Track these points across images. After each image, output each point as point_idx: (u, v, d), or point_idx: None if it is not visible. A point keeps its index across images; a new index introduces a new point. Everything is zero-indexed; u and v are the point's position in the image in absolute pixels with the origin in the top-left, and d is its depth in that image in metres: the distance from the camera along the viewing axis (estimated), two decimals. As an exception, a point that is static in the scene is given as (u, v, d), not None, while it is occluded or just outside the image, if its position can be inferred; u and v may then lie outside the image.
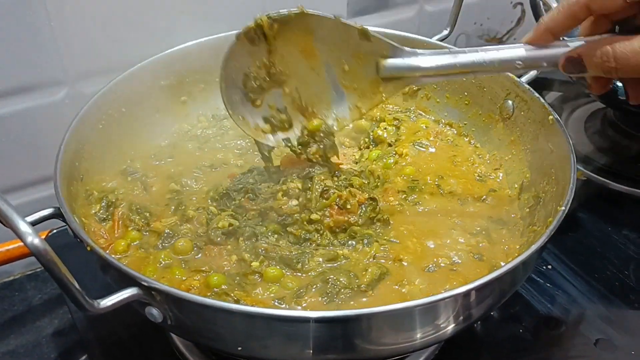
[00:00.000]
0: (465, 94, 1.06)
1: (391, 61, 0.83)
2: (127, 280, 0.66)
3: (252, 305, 0.73)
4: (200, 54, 1.05)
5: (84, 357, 0.93)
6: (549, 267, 1.05)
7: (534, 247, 0.69)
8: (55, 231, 1.07)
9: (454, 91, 1.07)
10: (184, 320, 0.68)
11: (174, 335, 0.90)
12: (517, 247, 0.86)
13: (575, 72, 0.75)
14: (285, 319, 0.64)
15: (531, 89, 0.95)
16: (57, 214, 0.75)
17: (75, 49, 1.06)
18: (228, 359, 0.87)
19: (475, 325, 0.94)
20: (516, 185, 0.96)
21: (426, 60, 0.82)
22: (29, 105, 1.06)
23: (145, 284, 0.65)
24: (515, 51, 0.78)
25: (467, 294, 0.67)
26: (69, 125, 0.86)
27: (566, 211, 0.75)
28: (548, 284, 1.02)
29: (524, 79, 0.97)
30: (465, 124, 1.07)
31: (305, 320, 0.63)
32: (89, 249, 0.69)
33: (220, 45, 0.86)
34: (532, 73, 0.98)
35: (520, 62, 0.78)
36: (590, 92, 0.81)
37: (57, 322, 0.98)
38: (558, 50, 0.76)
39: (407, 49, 0.83)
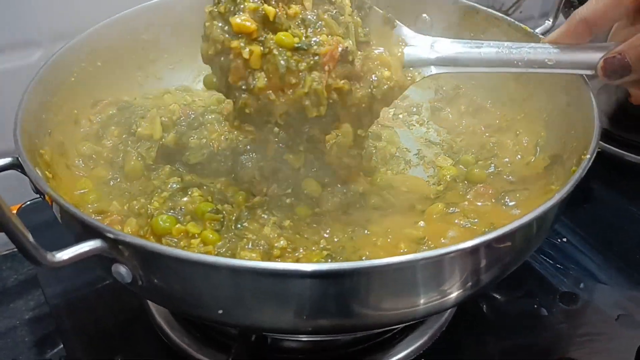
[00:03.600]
0: (473, 51, 0.97)
1: (408, 50, 0.77)
2: (90, 232, 0.57)
3: None
4: (185, 6, 0.96)
5: (60, 343, 0.86)
6: (564, 239, 0.99)
7: (558, 196, 0.61)
8: (28, 202, 1.00)
9: (460, 49, 0.99)
10: (157, 279, 0.59)
11: (157, 317, 0.83)
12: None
13: (617, 75, 0.68)
14: (275, 274, 0.55)
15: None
16: (16, 164, 0.67)
17: (51, 8, 1.01)
18: (214, 337, 0.80)
19: (486, 300, 0.87)
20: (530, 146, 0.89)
21: (444, 47, 0.76)
22: (2, 67, 1.01)
23: (111, 235, 0.56)
24: (546, 52, 0.73)
25: (475, 249, 0.59)
26: (35, 74, 0.78)
27: (592, 159, 0.67)
28: (563, 258, 0.95)
29: (538, 30, 0.89)
30: (473, 84, 0.99)
31: (299, 274, 0.55)
32: (47, 199, 0.60)
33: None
34: (547, 24, 0.90)
35: (551, 62, 0.73)
36: (634, 103, 0.77)
37: (33, 304, 0.92)
38: (594, 53, 0.71)
39: (424, 37, 0.77)
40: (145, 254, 0.57)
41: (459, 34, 0.97)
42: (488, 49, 0.75)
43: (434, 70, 0.76)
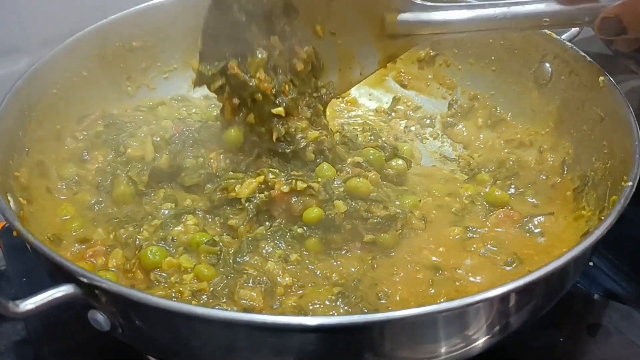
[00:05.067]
0: (493, 58, 0.91)
1: (401, 16, 0.74)
2: (62, 274, 0.50)
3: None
4: (178, 10, 0.89)
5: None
6: (590, 264, 0.90)
7: (598, 232, 0.53)
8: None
9: (478, 56, 0.92)
10: (140, 329, 0.52)
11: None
12: (562, 236, 0.71)
13: (613, 34, 0.68)
14: (274, 328, 0.48)
15: (575, 47, 0.79)
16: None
17: (39, 12, 0.97)
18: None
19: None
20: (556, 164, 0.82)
21: (439, 14, 0.73)
22: (-14, 74, 0.95)
23: (86, 280, 0.49)
24: (543, 6, 0.70)
25: (505, 297, 0.52)
26: (10, 88, 0.71)
27: (634, 187, 0.59)
28: (589, 284, 0.87)
29: (564, 36, 0.82)
30: (492, 94, 0.92)
31: (301, 328, 0.47)
32: (15, 234, 0.53)
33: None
34: (574, 30, 0.82)
35: (547, 19, 0.70)
36: (616, 49, 0.75)
37: (20, 327, 0.86)
38: (592, 6, 0.68)
39: (418, 1, 0.74)
40: (125, 302, 0.50)
41: (476, 39, 0.91)
42: (481, 10, 0.72)
43: (428, 37, 0.75)
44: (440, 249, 0.71)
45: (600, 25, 0.67)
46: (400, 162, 0.79)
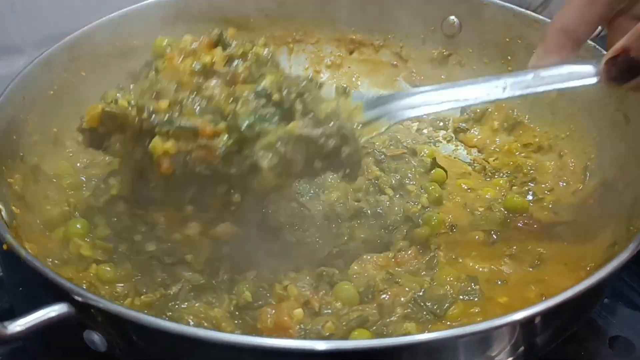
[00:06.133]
0: (509, 58, 0.87)
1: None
2: (56, 291, 0.47)
3: None
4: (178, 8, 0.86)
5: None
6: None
7: (632, 246, 0.50)
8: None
9: (494, 55, 0.89)
10: (139, 351, 0.48)
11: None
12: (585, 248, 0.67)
13: (627, 76, 0.57)
14: (284, 352, 0.44)
15: (597, 45, 0.76)
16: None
17: (36, 11, 0.94)
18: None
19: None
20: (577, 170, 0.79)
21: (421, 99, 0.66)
22: (-17, 75, 0.92)
23: (80, 299, 0.46)
24: (532, 78, 0.62)
25: (530, 319, 0.49)
26: (5, 87, 0.68)
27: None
28: (611, 295, 0.82)
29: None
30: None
31: (310, 353, 0.44)
32: (5, 247, 0.50)
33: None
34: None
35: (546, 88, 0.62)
36: None
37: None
38: (588, 63, 0.61)
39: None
40: (124, 323, 0.46)
41: (492, 38, 0.88)
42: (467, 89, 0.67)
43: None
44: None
45: (608, 69, 0.58)
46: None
